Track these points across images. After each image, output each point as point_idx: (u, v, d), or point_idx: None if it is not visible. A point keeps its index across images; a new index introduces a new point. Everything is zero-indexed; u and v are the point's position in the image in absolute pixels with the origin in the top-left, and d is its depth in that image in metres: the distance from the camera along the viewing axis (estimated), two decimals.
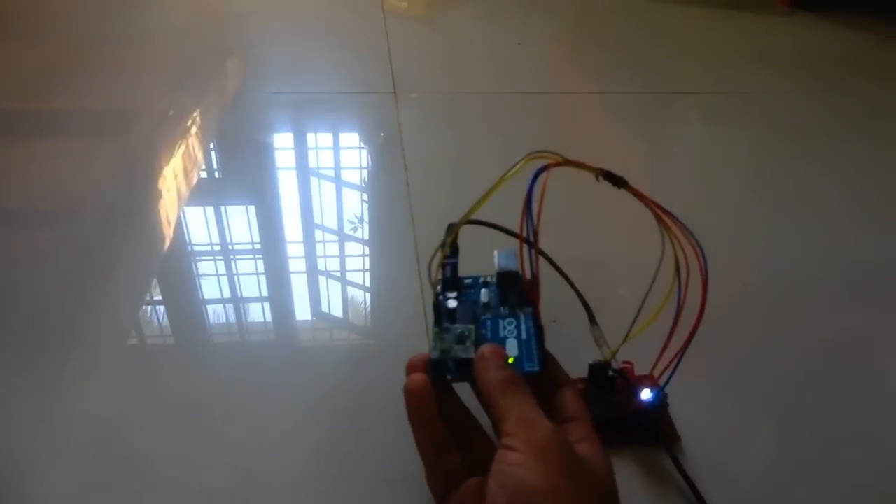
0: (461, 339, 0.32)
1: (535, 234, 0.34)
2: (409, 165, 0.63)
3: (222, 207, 0.59)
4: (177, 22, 0.96)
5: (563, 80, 0.85)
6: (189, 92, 0.77)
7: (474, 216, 0.36)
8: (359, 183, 0.63)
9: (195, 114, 0.72)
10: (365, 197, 0.60)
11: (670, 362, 0.33)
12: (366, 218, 0.58)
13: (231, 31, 0.95)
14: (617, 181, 0.35)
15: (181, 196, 0.60)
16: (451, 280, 0.36)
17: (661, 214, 0.34)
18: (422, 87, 0.79)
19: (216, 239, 0.56)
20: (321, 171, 0.64)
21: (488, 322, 0.34)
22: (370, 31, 0.95)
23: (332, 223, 0.57)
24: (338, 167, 0.65)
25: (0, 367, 0.41)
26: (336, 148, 0.69)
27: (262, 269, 0.54)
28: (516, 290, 0.35)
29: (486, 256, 0.37)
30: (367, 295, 0.51)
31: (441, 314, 0.33)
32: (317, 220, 0.58)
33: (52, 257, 0.51)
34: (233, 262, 0.54)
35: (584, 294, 0.38)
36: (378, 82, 0.80)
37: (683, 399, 0.37)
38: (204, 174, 0.63)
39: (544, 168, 0.36)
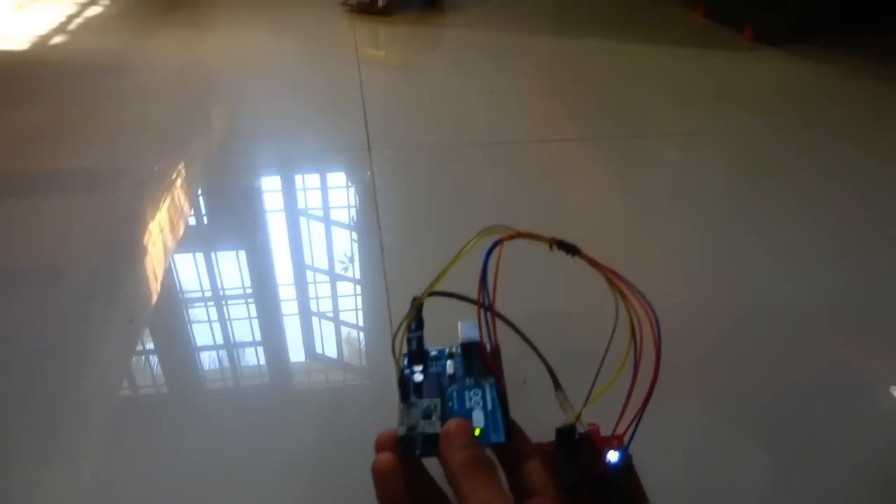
0: (427, 414, 0.32)
1: (492, 305, 0.35)
2: (382, 225, 0.64)
3: (212, 254, 0.61)
4: (160, 84, 0.97)
5: (536, 128, 0.87)
6: (173, 150, 0.78)
7: (436, 288, 0.36)
8: (331, 249, 0.63)
9: (179, 169, 0.73)
10: (338, 259, 0.61)
11: (631, 423, 0.33)
12: (338, 279, 0.58)
13: (212, 91, 0.97)
14: (570, 249, 0.35)
15: (168, 247, 0.61)
16: (416, 353, 0.36)
17: (614, 279, 0.35)
18: (396, 141, 0.81)
19: (207, 285, 0.58)
20: (294, 231, 0.65)
21: (454, 394, 0.34)
22: (346, 86, 0.97)
23: (321, 263, 0.57)
24: (309, 231, 0.66)
25: None
26: (307, 211, 0.70)
27: (253, 313, 0.55)
28: (481, 361, 0.36)
29: (452, 327, 0.37)
30: (362, 334, 0.52)
31: (407, 389, 0.34)
32: (307, 261, 0.59)
33: (40, 317, 0.52)
34: (224, 308, 0.55)
35: (549, 354, 0.38)
36: (354, 139, 0.81)
37: (649, 457, 0.37)
38: (192, 221, 0.64)
39: (497, 243, 0.37)
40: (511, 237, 0.36)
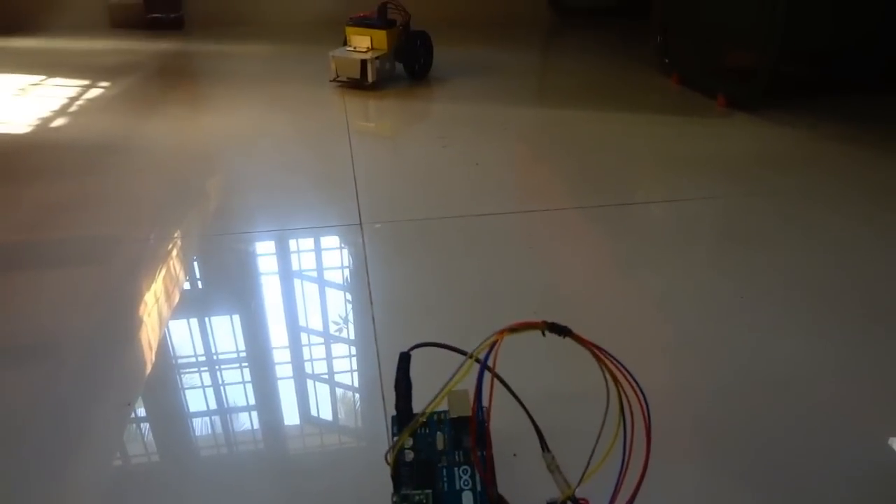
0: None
1: (488, 414, 0.36)
2: (374, 301, 0.66)
3: (206, 326, 0.63)
4: (157, 163, 1.01)
5: (521, 199, 0.90)
6: (167, 225, 0.80)
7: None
8: (323, 327, 0.65)
9: (173, 244, 0.75)
10: (333, 322, 0.63)
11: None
12: (332, 357, 0.60)
13: (206, 168, 1.00)
14: (561, 331, 0.38)
15: (163, 316, 0.63)
16: (405, 417, 0.38)
17: (605, 360, 0.37)
18: (386, 216, 0.84)
19: (201, 352, 0.60)
20: (284, 311, 0.67)
21: (444, 471, 0.36)
22: (337, 161, 1.01)
23: (315, 333, 0.59)
24: (303, 304, 0.68)
25: None
26: (301, 287, 0.72)
27: (247, 377, 0.57)
28: (469, 434, 0.37)
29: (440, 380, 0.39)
30: (356, 395, 0.53)
31: (399, 470, 0.35)
32: (300, 330, 0.61)
33: (37, 395, 0.53)
34: (218, 373, 0.57)
35: (542, 425, 0.39)
36: (345, 215, 0.84)
37: None
38: (186, 292, 0.66)
39: (483, 368, 0.37)
40: (503, 336, 0.38)
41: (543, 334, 0.39)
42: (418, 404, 0.38)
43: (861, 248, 0.77)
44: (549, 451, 0.40)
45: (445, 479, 0.36)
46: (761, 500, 0.44)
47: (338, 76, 1.38)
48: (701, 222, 0.84)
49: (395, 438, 0.37)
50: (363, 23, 1.36)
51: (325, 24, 2.08)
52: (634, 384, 0.36)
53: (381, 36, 1.35)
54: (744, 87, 1.25)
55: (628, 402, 0.36)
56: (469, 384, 0.37)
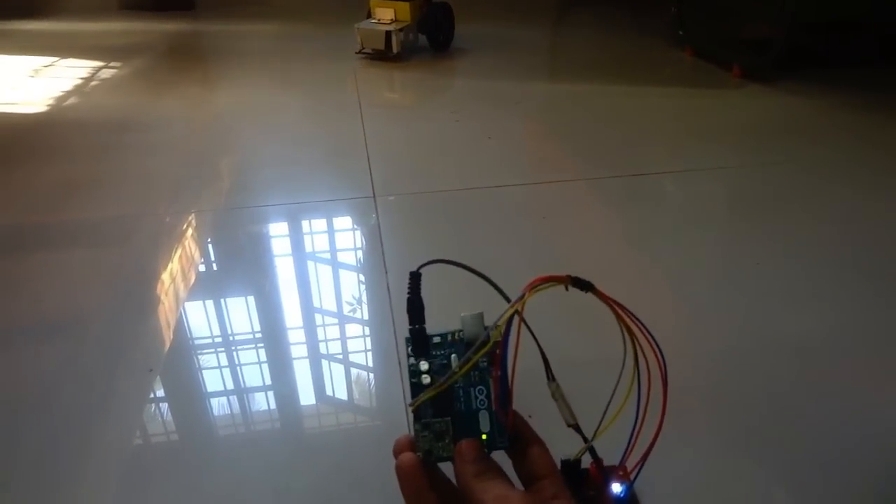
0: (441, 437, 0.34)
1: (510, 394, 0.36)
2: (389, 269, 0.66)
3: (222, 301, 0.64)
4: (171, 141, 1.01)
5: (533, 171, 0.90)
6: (183, 201, 0.81)
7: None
8: (339, 292, 0.66)
9: (190, 220, 0.76)
10: (346, 301, 0.63)
11: (637, 464, 0.34)
12: (345, 325, 0.60)
13: (220, 145, 1.01)
14: (584, 286, 0.37)
15: (182, 290, 0.64)
16: (419, 343, 0.38)
17: (624, 316, 0.37)
18: (398, 189, 0.84)
19: (218, 332, 0.60)
20: (302, 277, 0.68)
21: (461, 392, 0.36)
22: (350, 135, 1.01)
23: (330, 307, 0.60)
24: (317, 277, 0.68)
25: (17, 482, 0.43)
26: (315, 256, 0.72)
27: (264, 357, 0.57)
28: (485, 354, 0.38)
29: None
30: (371, 375, 0.54)
31: (418, 390, 0.36)
32: (315, 305, 0.62)
33: (63, 371, 0.54)
34: (234, 348, 0.58)
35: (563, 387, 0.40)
36: (358, 188, 0.84)
37: (655, 487, 0.39)
38: (203, 269, 0.67)
39: (501, 345, 0.37)
40: (523, 302, 0.37)
41: (567, 289, 0.39)
42: (434, 325, 0.39)
43: (873, 216, 0.76)
44: (554, 380, 0.39)
45: (462, 399, 0.36)
46: (772, 458, 0.44)
47: (363, 48, 1.40)
48: (716, 192, 0.83)
49: (411, 361, 0.38)
50: None
51: (333, 1, 2.07)
52: (652, 341, 0.36)
53: (404, 8, 1.37)
54: (759, 58, 1.23)
55: (645, 358, 0.36)
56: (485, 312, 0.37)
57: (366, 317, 0.62)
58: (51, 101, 1.19)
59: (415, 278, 0.38)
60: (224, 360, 0.56)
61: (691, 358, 0.55)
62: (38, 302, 0.64)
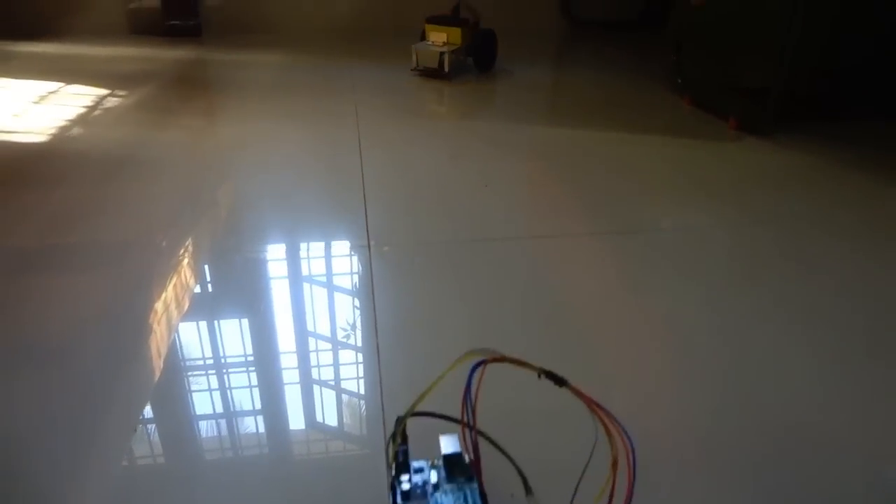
0: None
1: (473, 418, 0.38)
2: (379, 328, 0.67)
3: (211, 342, 0.65)
4: (171, 176, 1.02)
5: (529, 224, 0.91)
6: (177, 241, 0.82)
7: (420, 406, 0.39)
8: (327, 344, 0.66)
9: (182, 261, 0.76)
10: (331, 363, 0.64)
11: None
12: (331, 384, 0.61)
13: (219, 182, 1.02)
14: (558, 381, 0.38)
15: (172, 321, 0.64)
16: (402, 465, 0.40)
17: (598, 411, 0.38)
18: (394, 238, 0.85)
19: (210, 356, 0.62)
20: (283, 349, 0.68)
21: (440, 498, 0.37)
22: (347, 179, 1.02)
23: (324, 331, 0.60)
24: (306, 329, 0.69)
25: None
26: (309, 304, 0.73)
27: (255, 381, 0.59)
28: (461, 470, 0.39)
29: (433, 440, 0.40)
30: (362, 402, 0.56)
31: (395, 498, 0.37)
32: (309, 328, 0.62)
33: (51, 399, 0.55)
34: (225, 376, 0.60)
35: (528, 469, 0.40)
36: (353, 234, 0.85)
37: None
38: (191, 310, 0.67)
39: (481, 363, 0.40)
40: (496, 360, 0.39)
41: (539, 377, 0.40)
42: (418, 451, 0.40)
43: (868, 282, 0.77)
44: (532, 493, 0.40)
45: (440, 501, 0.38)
46: None
47: (417, 65, 1.58)
48: (710, 250, 0.84)
49: (388, 439, 0.40)
50: (441, 20, 1.60)
51: (340, 32, 2.10)
52: (624, 434, 0.37)
53: (455, 32, 1.57)
54: (756, 110, 1.25)
55: (617, 452, 0.37)
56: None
57: (355, 389, 0.62)
58: (55, 130, 1.20)
59: (400, 422, 0.39)
60: (217, 404, 0.56)
61: (679, 419, 0.55)
62: (21, 328, 0.65)
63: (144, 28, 2.02)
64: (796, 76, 1.20)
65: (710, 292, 0.75)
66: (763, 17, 1.18)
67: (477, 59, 1.64)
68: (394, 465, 0.40)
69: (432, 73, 1.58)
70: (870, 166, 1.11)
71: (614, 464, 0.36)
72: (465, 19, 1.60)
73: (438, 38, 1.60)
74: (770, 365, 0.63)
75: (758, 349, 0.65)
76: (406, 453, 0.40)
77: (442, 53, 1.54)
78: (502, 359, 0.38)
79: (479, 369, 0.37)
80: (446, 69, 1.55)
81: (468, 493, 0.38)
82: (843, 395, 0.59)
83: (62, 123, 1.24)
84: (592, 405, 0.36)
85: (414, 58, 1.59)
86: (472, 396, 0.38)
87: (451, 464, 0.40)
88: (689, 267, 0.80)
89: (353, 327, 0.68)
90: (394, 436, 0.38)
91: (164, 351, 0.63)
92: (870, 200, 0.99)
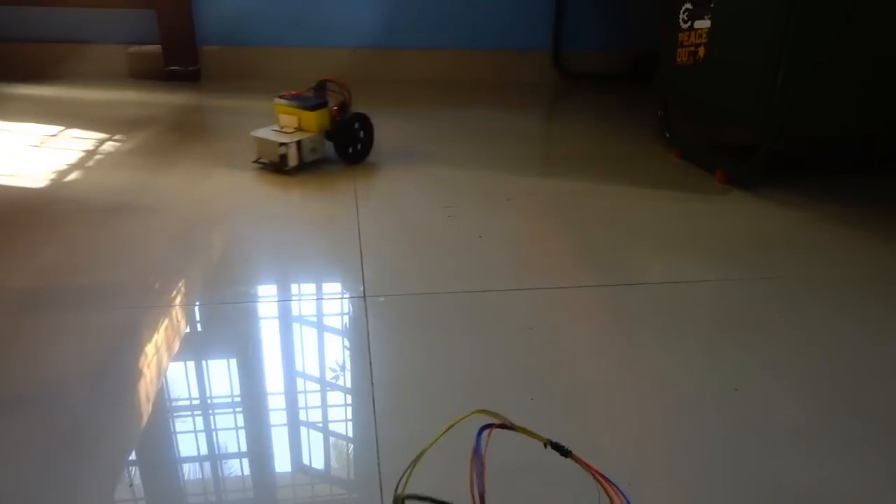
0: None
1: (482, 484, 0.38)
2: (375, 382, 0.67)
3: (201, 397, 0.65)
4: (167, 223, 1.03)
5: (521, 276, 0.92)
6: (170, 288, 0.82)
7: (414, 491, 0.39)
8: (322, 399, 0.66)
9: (174, 310, 0.77)
10: (329, 418, 0.64)
11: None
12: (329, 441, 0.61)
13: (213, 230, 1.03)
14: (563, 452, 0.39)
15: (161, 363, 0.64)
16: None
17: (602, 481, 0.38)
18: (390, 289, 0.86)
19: (197, 411, 0.62)
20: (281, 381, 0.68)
21: None
22: (344, 231, 1.03)
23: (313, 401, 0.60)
24: (303, 376, 0.69)
25: None
26: (302, 358, 0.73)
27: (241, 422, 0.59)
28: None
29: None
30: (357, 451, 0.56)
31: None
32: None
33: (32, 445, 0.55)
34: (211, 418, 0.60)
35: None
36: (349, 286, 0.86)
37: None
38: (181, 360, 0.67)
39: (489, 426, 0.40)
40: (504, 426, 0.40)
41: (545, 447, 0.40)
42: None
43: (855, 342, 0.78)
44: None
45: None
46: None
47: (260, 158, 1.29)
48: (697, 306, 0.85)
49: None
50: (293, 101, 1.28)
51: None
52: (623, 497, 0.38)
53: (309, 117, 1.27)
54: (743, 165, 1.29)
55: None
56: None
57: (349, 434, 0.62)
58: (52, 174, 1.22)
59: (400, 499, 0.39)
60: (200, 425, 0.56)
61: (665, 480, 0.55)
62: (9, 373, 0.66)
63: (144, 73, 2.06)
64: (782, 137, 1.23)
65: (700, 347, 0.76)
66: (747, 80, 1.22)
67: (339, 149, 1.32)
68: None
69: (276, 168, 1.27)
70: (853, 221, 1.14)
71: None
72: (323, 100, 1.29)
73: (288, 122, 1.29)
74: (759, 423, 0.63)
75: (747, 408, 0.65)
76: None
77: (283, 144, 1.23)
78: (511, 426, 0.39)
79: (486, 433, 0.38)
80: (289, 163, 1.25)
81: None
82: (830, 453, 0.60)
83: (60, 167, 1.25)
84: (597, 475, 0.37)
85: (255, 148, 1.29)
86: (481, 462, 0.38)
87: None
88: (679, 321, 0.81)
89: (342, 379, 0.68)
90: None
91: (152, 396, 0.63)
92: (854, 257, 1.01)
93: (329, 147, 1.32)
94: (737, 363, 0.73)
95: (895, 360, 0.75)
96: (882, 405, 0.67)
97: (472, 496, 0.38)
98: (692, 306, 0.85)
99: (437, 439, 0.40)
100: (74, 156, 1.32)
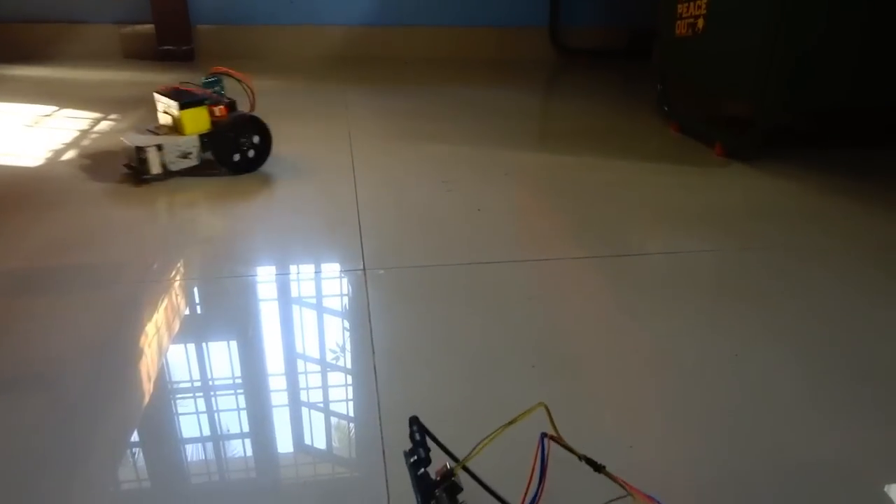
0: None
1: (540, 490, 0.37)
2: (376, 350, 0.67)
3: (202, 370, 0.65)
4: (160, 199, 1.03)
5: (521, 248, 0.92)
6: (168, 263, 0.82)
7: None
8: (323, 370, 0.66)
9: (174, 284, 0.77)
10: (330, 383, 0.64)
11: None
12: (330, 408, 0.61)
13: (213, 207, 1.02)
14: (596, 467, 0.40)
15: (162, 343, 0.64)
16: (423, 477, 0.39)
17: (636, 493, 0.39)
18: (389, 262, 0.85)
19: (198, 385, 0.62)
20: (284, 366, 0.68)
21: None
22: (343, 205, 1.03)
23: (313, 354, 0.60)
24: (304, 349, 0.69)
25: None
26: (302, 331, 0.73)
27: (242, 404, 0.59)
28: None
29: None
30: (352, 437, 0.55)
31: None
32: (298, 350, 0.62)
33: (37, 425, 0.55)
34: (213, 399, 0.59)
35: None
36: (348, 259, 0.86)
37: None
38: (181, 338, 0.67)
39: (547, 436, 0.39)
40: (556, 440, 0.39)
41: (580, 460, 0.40)
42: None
43: (853, 309, 0.78)
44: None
45: None
46: None
47: (130, 162, 1.09)
48: (697, 276, 0.85)
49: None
50: (173, 95, 1.10)
51: (333, 58, 2.12)
52: None
53: (191, 117, 1.09)
54: (741, 138, 1.28)
55: None
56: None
57: (350, 396, 0.62)
58: (47, 154, 1.21)
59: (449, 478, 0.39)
60: (202, 406, 0.56)
61: (668, 448, 0.56)
62: (13, 353, 0.65)
63: (138, 53, 2.04)
64: (780, 109, 1.23)
65: (697, 317, 0.76)
66: (745, 53, 1.21)
67: (218, 155, 1.11)
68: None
69: (137, 174, 1.08)
70: (849, 193, 1.14)
71: None
72: (197, 98, 1.10)
73: (165, 121, 1.12)
74: (759, 389, 0.64)
75: (747, 374, 0.66)
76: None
77: (142, 149, 1.04)
78: (560, 441, 0.39)
79: (547, 440, 0.37)
80: (151, 171, 1.06)
81: None
82: (830, 417, 0.60)
83: (55, 147, 1.24)
84: (630, 488, 0.37)
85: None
86: (543, 466, 0.37)
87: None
88: (676, 291, 0.81)
89: (343, 350, 0.69)
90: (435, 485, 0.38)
91: (153, 375, 0.63)
92: (851, 227, 1.01)
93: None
94: (737, 331, 0.73)
95: (894, 325, 0.75)
96: (882, 370, 0.67)
97: (523, 499, 0.37)
98: (692, 276, 0.85)
99: (503, 428, 0.40)
100: (69, 134, 1.31)
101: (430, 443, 0.42)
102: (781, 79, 1.17)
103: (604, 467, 0.36)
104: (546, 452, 0.36)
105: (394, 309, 0.76)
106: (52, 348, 0.67)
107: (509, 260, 0.88)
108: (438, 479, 0.38)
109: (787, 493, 0.51)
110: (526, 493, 0.36)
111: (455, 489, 0.37)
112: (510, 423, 0.38)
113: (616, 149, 1.34)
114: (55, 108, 1.50)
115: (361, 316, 0.74)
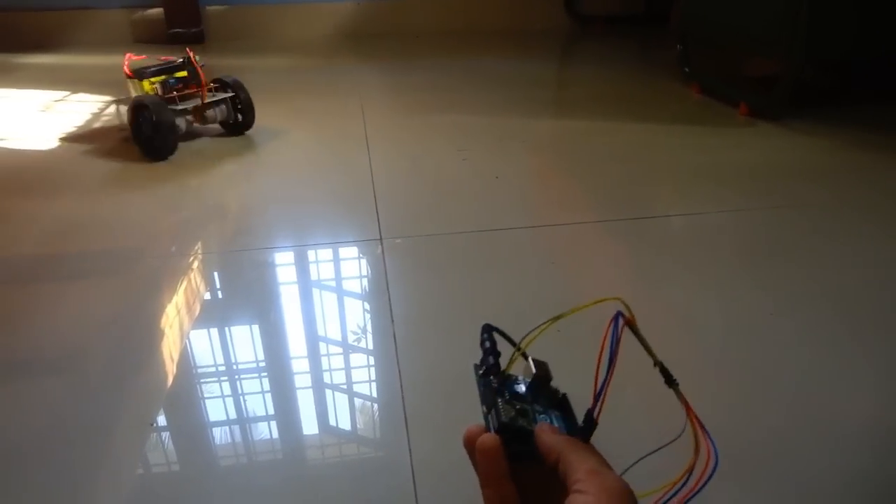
0: (524, 413, 0.34)
1: (611, 372, 0.35)
2: (395, 317, 0.66)
3: (225, 336, 0.64)
4: (175, 178, 1.02)
5: (540, 214, 0.90)
6: (187, 239, 0.81)
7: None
8: (344, 339, 0.65)
9: (193, 259, 0.75)
10: (351, 331, 0.63)
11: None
12: (352, 376, 0.59)
13: (228, 181, 1.01)
14: (670, 381, 0.37)
15: (182, 330, 0.63)
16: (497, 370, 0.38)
17: (695, 422, 0.36)
18: (406, 231, 0.83)
19: (220, 364, 0.61)
20: (303, 336, 0.67)
21: (537, 416, 0.36)
22: (358, 176, 1.01)
23: (334, 345, 0.59)
24: (323, 321, 0.68)
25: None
26: (321, 302, 0.72)
27: (268, 391, 0.57)
28: (546, 393, 0.37)
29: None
30: (374, 405, 0.54)
31: (496, 392, 0.35)
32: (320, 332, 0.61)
33: (62, 407, 0.54)
34: (238, 383, 0.58)
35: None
36: (366, 230, 0.84)
37: None
38: (205, 306, 0.66)
39: (620, 316, 0.36)
40: (631, 323, 0.36)
41: (654, 366, 0.37)
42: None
43: (889, 263, 0.75)
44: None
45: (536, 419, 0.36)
46: None
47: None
48: (725, 236, 0.82)
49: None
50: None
51: (343, 37, 2.10)
52: (712, 448, 0.35)
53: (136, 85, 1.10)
54: (766, 96, 1.23)
55: (697, 458, 0.35)
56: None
57: (370, 362, 0.61)
58: (60, 137, 1.20)
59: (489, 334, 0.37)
60: (227, 395, 0.55)
61: (701, 408, 0.53)
62: (29, 335, 0.64)
63: (148, 37, 2.03)
64: (806, 65, 1.18)
65: (727, 277, 0.73)
66: (771, 3, 1.16)
67: (139, 138, 1.06)
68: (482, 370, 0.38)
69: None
70: (879, 147, 1.09)
71: (689, 469, 0.35)
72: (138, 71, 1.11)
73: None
74: (790, 348, 0.61)
75: (777, 333, 0.63)
76: (498, 367, 0.38)
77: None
78: (634, 329, 0.35)
79: (622, 322, 0.34)
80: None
81: (553, 418, 0.36)
82: (865, 374, 0.57)
83: (68, 131, 1.24)
84: (692, 414, 0.35)
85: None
86: (613, 350, 0.34)
87: (538, 386, 0.38)
88: (703, 252, 0.78)
89: (363, 318, 0.67)
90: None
91: (175, 353, 0.62)
92: (882, 180, 0.97)
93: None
94: (768, 288, 0.70)
95: None
96: None
97: (595, 387, 0.35)
98: (718, 235, 0.82)
99: (564, 315, 0.36)
100: (82, 118, 1.31)
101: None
102: (810, 30, 1.12)
103: (677, 383, 0.34)
104: (619, 334, 0.34)
105: (412, 277, 0.74)
106: (76, 326, 0.66)
107: (530, 226, 0.85)
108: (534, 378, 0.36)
109: (829, 452, 0.49)
110: (596, 381, 0.33)
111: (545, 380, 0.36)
112: (577, 308, 0.35)
113: (636, 114, 1.30)
114: (67, 92, 1.49)
115: (380, 284, 0.72)
